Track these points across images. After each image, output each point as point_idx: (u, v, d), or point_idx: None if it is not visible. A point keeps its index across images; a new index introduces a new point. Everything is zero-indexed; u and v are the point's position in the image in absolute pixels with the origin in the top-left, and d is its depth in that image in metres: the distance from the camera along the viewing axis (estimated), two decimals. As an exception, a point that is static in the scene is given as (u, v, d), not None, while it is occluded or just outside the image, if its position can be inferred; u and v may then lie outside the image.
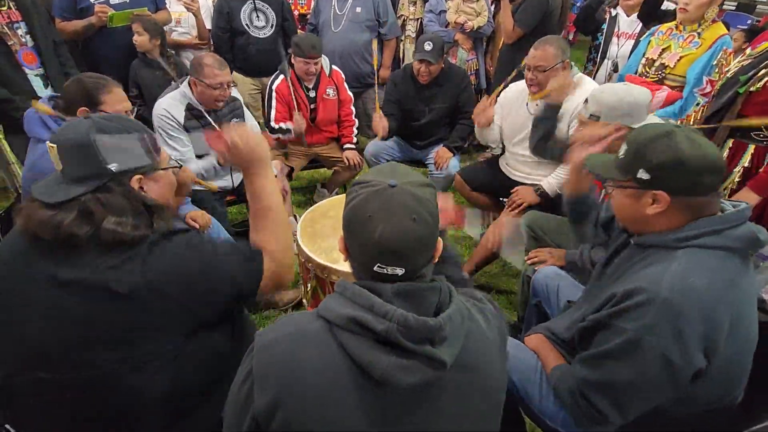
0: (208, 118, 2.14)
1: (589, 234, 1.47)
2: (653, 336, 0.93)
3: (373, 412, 0.71)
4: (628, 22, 3.03)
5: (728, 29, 2.21)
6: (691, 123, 2.11)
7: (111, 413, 0.94)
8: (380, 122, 2.61)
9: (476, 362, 0.78)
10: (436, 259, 0.81)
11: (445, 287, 0.79)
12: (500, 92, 2.38)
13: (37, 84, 2.23)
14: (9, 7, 2.12)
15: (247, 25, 3.00)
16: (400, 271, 0.74)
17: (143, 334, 0.90)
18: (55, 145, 0.94)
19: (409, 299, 0.74)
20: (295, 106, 2.62)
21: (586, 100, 1.58)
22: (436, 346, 0.72)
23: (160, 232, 0.96)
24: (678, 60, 2.12)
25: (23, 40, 2.17)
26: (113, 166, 0.94)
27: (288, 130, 2.63)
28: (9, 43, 2.11)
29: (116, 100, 1.51)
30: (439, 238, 0.79)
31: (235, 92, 2.36)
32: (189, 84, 2.10)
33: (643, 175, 1.02)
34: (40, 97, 1.82)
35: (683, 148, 0.97)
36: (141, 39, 2.59)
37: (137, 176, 0.98)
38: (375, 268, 0.74)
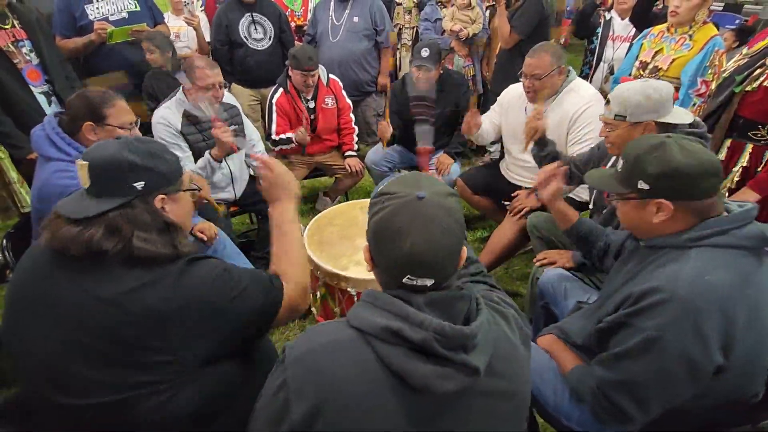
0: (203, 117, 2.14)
1: (606, 264, 1.49)
2: (673, 334, 0.95)
3: (410, 417, 0.73)
4: (622, 26, 3.09)
5: (717, 29, 2.25)
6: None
7: None
8: (386, 130, 2.67)
9: (503, 367, 0.79)
10: (461, 266, 0.81)
11: (474, 295, 0.80)
12: (482, 101, 2.44)
13: (42, 101, 2.24)
14: (13, 26, 2.14)
15: (245, 37, 3.04)
16: (429, 282, 0.75)
17: (159, 357, 0.90)
18: (87, 163, 0.96)
19: (440, 308, 0.75)
20: (295, 120, 2.64)
21: (608, 102, 1.59)
22: (469, 353, 0.73)
23: (190, 257, 0.98)
24: (671, 62, 2.15)
25: (27, 57, 2.19)
26: (139, 185, 0.96)
27: (289, 140, 2.65)
28: (14, 61, 2.13)
29: (120, 113, 1.52)
30: (464, 246, 0.80)
31: (233, 99, 2.37)
32: (183, 91, 2.12)
33: (642, 185, 1.06)
34: (45, 115, 1.83)
35: (676, 157, 1.01)
36: (153, 56, 2.63)
37: (161, 196, 1.00)
38: (404, 280, 0.75)
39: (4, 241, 1.60)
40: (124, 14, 2.67)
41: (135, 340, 0.88)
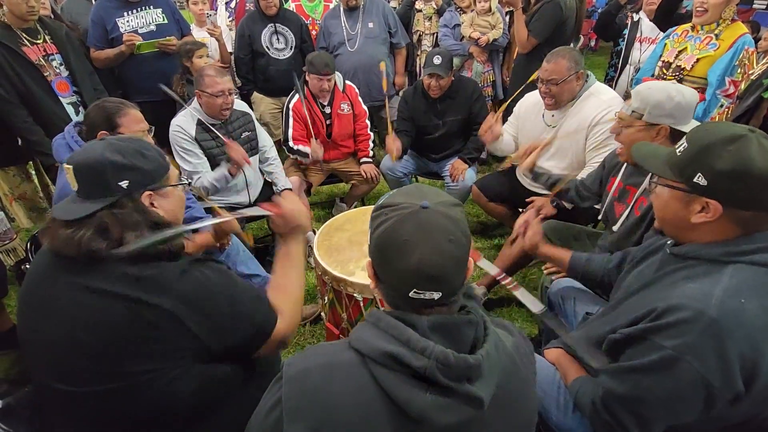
0: (218, 132, 2.22)
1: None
2: (695, 356, 0.86)
3: None
4: (650, 27, 2.97)
5: (759, 29, 2.13)
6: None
7: (131, 423, 0.97)
8: (393, 143, 2.61)
9: (510, 398, 0.75)
10: (467, 279, 0.78)
11: (481, 319, 0.76)
12: (506, 107, 2.40)
13: (70, 111, 2.37)
14: (45, 41, 2.28)
15: (267, 47, 3.11)
16: (437, 295, 0.71)
17: (155, 348, 0.92)
18: (71, 166, 1.00)
19: (445, 333, 0.71)
20: (311, 125, 2.67)
21: (629, 96, 1.53)
22: (473, 383, 0.69)
23: (193, 258, 1.00)
24: (695, 62, 2.05)
25: (57, 70, 2.32)
26: (124, 183, 0.99)
27: (306, 154, 2.68)
28: (45, 74, 2.26)
29: (132, 122, 1.58)
30: (470, 257, 0.76)
31: (245, 107, 2.43)
32: (197, 100, 2.20)
33: (699, 180, 0.91)
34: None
35: (755, 157, 0.86)
36: (198, 61, 2.68)
37: (147, 192, 1.03)
38: (411, 294, 0.72)
39: (28, 244, 1.69)
40: (153, 27, 2.80)
41: (130, 334, 0.91)
